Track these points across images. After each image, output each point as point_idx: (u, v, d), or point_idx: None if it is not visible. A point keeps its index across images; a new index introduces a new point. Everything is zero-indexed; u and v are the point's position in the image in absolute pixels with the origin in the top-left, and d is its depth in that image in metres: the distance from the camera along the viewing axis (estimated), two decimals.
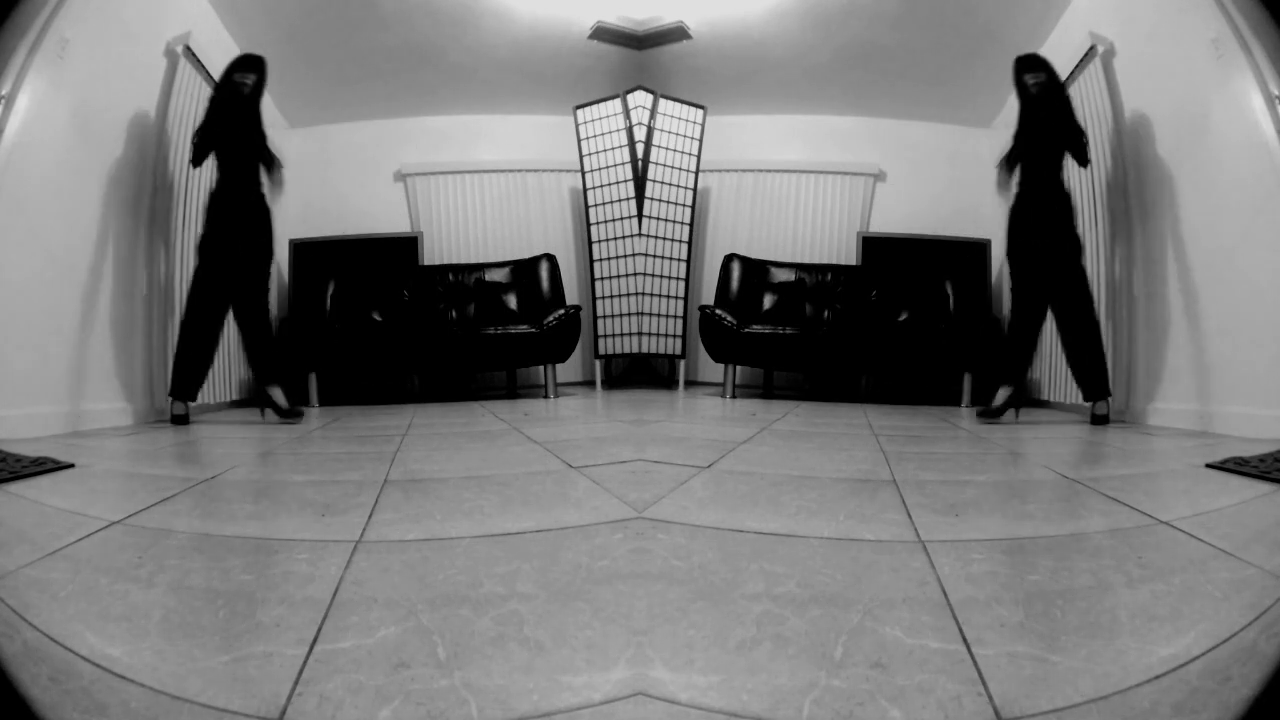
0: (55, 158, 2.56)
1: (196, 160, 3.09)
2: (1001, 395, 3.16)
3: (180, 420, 2.99)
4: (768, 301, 4.62)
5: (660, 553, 1.13)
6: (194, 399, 3.07)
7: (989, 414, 3.13)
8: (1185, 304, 2.83)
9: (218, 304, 3.08)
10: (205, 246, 3.06)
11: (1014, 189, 3.24)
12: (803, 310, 4.56)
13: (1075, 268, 3.08)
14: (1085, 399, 3.09)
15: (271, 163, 3.16)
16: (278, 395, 3.13)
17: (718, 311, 4.27)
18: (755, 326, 4.22)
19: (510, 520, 1.33)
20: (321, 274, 4.48)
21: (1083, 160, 3.12)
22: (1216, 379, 2.63)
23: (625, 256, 4.66)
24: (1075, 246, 3.09)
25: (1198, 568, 1.06)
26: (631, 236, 4.63)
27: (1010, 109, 4.54)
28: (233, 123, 3.08)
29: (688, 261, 4.76)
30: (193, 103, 3.45)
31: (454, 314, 4.55)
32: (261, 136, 3.16)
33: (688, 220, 4.76)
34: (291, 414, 3.11)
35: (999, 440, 2.48)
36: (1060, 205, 3.11)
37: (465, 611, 0.91)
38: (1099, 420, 3.01)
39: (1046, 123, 3.13)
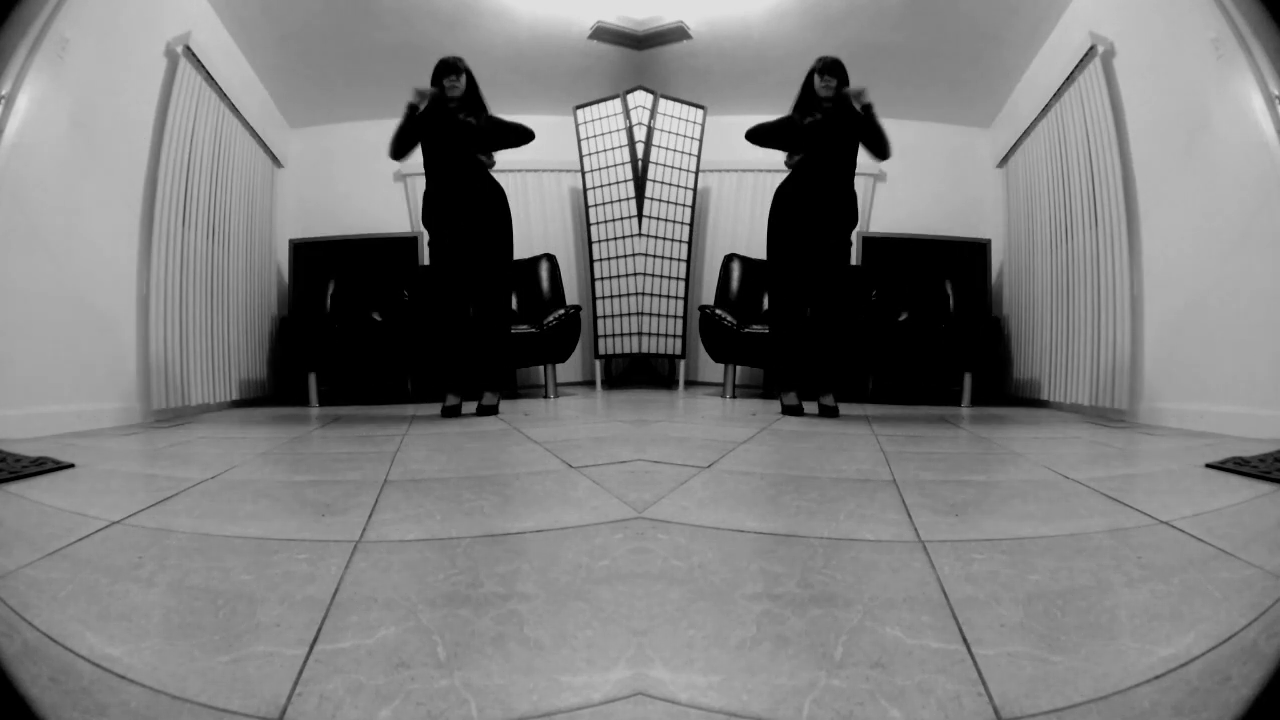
0: (55, 158, 2.56)
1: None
2: (793, 397, 3.26)
3: (450, 412, 3.18)
4: (768, 302, 4.62)
5: (660, 553, 1.13)
6: (469, 396, 3.29)
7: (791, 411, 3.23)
8: (1185, 304, 2.83)
9: (459, 305, 3.26)
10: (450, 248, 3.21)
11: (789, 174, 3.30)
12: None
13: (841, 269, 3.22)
14: (816, 394, 3.23)
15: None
16: (489, 398, 3.29)
17: (718, 311, 4.26)
18: (755, 326, 4.22)
19: (510, 520, 1.33)
20: (321, 274, 4.48)
21: (883, 152, 3.20)
22: (1216, 379, 2.63)
23: (625, 256, 4.66)
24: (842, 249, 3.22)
25: (1198, 568, 1.06)
26: (631, 236, 4.63)
27: (1010, 107, 4.55)
28: (452, 127, 3.18)
29: (688, 261, 4.76)
30: (193, 102, 3.45)
31: None
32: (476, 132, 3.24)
33: (688, 220, 4.76)
34: (490, 410, 3.25)
35: (999, 440, 2.48)
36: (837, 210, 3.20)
37: (465, 611, 0.91)
38: (829, 412, 3.17)
39: (839, 126, 3.17)
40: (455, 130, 3.19)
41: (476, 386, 3.30)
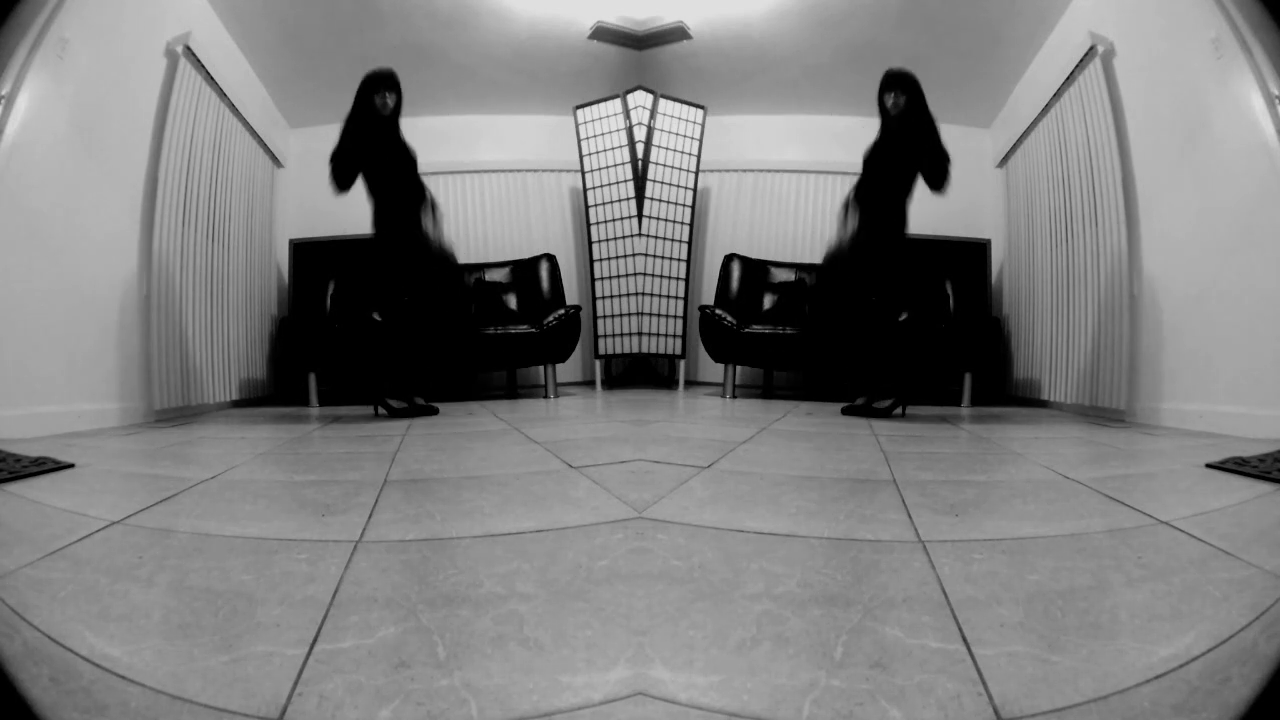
0: (55, 158, 2.56)
1: (342, 185, 3.17)
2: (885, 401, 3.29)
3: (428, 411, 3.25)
4: (768, 301, 4.62)
5: (660, 553, 1.13)
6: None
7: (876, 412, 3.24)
8: (1184, 303, 2.83)
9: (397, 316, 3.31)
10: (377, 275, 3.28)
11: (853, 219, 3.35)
12: (803, 310, 4.56)
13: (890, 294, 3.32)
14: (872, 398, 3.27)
15: (424, 194, 3.28)
16: (391, 402, 3.29)
17: (718, 311, 4.26)
18: (755, 326, 4.22)
19: (510, 520, 1.33)
20: (321, 274, 4.48)
21: (939, 183, 3.16)
22: (1216, 379, 2.63)
23: (625, 256, 4.65)
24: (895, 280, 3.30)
25: (1198, 568, 1.06)
26: (631, 236, 4.63)
27: (1010, 107, 4.55)
28: (379, 145, 3.15)
29: (688, 261, 4.76)
30: (193, 102, 3.45)
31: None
32: (411, 162, 3.25)
33: (688, 220, 4.76)
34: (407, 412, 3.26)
35: (998, 440, 2.48)
36: (893, 239, 3.26)
37: (465, 611, 0.91)
38: (877, 413, 3.20)
39: (903, 146, 3.18)
40: (400, 154, 3.18)
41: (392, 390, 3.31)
